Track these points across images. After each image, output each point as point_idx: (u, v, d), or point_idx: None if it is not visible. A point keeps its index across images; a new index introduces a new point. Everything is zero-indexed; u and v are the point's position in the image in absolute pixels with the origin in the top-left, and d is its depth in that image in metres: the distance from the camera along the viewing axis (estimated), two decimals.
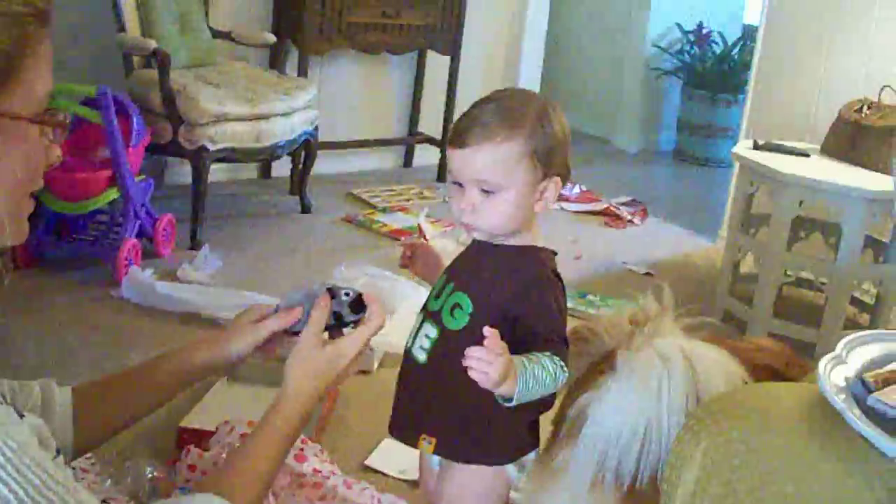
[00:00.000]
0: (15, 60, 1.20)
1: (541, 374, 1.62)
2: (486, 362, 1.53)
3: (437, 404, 1.82)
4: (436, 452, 1.84)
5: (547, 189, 1.71)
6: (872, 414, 1.49)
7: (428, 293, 1.87)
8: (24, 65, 1.21)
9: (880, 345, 1.71)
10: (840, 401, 1.48)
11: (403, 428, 1.90)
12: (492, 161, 1.65)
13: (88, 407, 1.69)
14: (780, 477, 1.47)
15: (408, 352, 1.84)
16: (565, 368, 1.66)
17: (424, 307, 1.85)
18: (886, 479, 1.41)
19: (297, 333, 1.76)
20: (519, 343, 1.64)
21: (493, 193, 1.67)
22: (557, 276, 1.75)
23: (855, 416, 1.45)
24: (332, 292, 1.75)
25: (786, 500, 1.45)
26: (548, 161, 1.68)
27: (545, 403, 1.82)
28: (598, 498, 1.75)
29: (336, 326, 1.77)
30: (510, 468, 1.84)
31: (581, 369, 1.88)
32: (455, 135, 1.69)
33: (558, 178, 1.72)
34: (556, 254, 1.81)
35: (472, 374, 1.55)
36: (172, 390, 1.81)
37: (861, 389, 1.53)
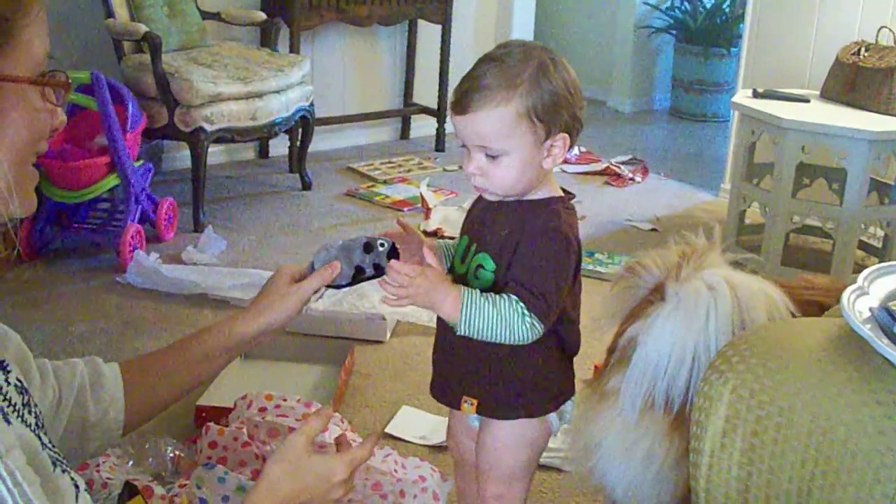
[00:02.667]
0: (12, 22, 1.17)
1: (488, 310, 1.62)
2: (396, 286, 1.61)
3: (474, 366, 1.81)
4: (478, 413, 1.84)
5: (554, 146, 1.68)
6: None
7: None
8: (21, 26, 1.19)
9: None
10: (867, 330, 1.47)
11: (444, 392, 1.90)
12: (490, 126, 1.63)
13: (136, 382, 1.64)
14: (809, 410, 1.46)
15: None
16: (529, 317, 1.63)
17: (451, 271, 1.83)
18: None
19: (338, 287, 1.72)
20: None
21: (498, 157, 1.65)
22: (569, 229, 1.71)
23: (884, 344, 1.44)
24: (369, 245, 1.72)
25: (815, 433, 1.45)
26: (550, 118, 1.64)
27: (572, 346, 1.82)
28: (648, 422, 1.77)
29: (374, 276, 1.72)
30: (552, 418, 1.84)
31: (633, 301, 1.90)
32: (455, 100, 1.66)
33: (565, 135, 1.68)
34: (573, 196, 1.78)
35: (383, 299, 1.64)
36: (220, 363, 1.74)
37: (886, 318, 1.52)
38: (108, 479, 2.19)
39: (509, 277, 1.68)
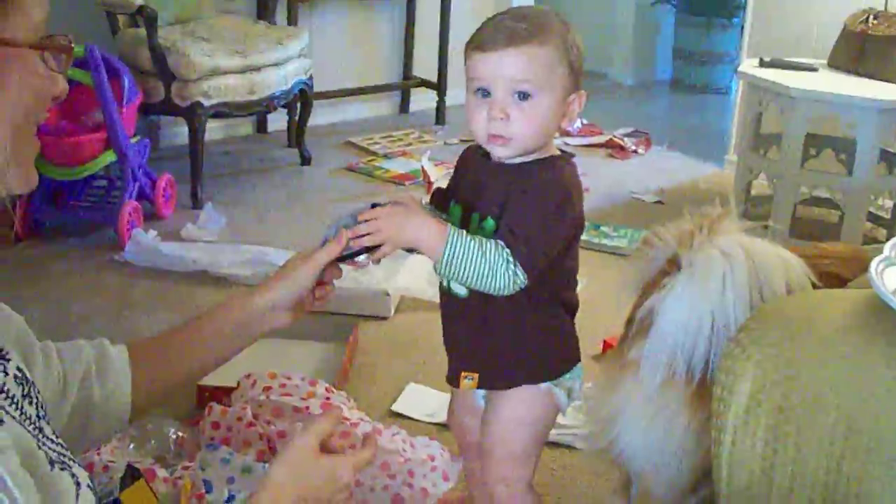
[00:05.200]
0: None
1: (473, 250, 1.56)
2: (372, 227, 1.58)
3: (476, 338, 1.76)
4: (480, 387, 1.79)
5: (574, 103, 1.64)
6: None
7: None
8: None
9: None
10: None
11: (449, 371, 1.85)
12: (532, 60, 1.57)
13: (145, 365, 1.56)
14: (838, 386, 1.41)
15: (446, 291, 1.75)
16: (513, 265, 1.57)
17: None
18: None
19: (349, 257, 1.64)
20: None
21: (530, 98, 1.59)
22: (570, 180, 1.66)
23: None
24: (377, 206, 1.63)
25: (844, 409, 1.40)
26: (578, 71, 1.63)
27: (572, 304, 1.78)
28: (670, 393, 1.74)
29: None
30: (559, 394, 1.78)
31: (650, 274, 1.85)
32: (483, 39, 1.60)
33: (584, 93, 1.66)
34: (573, 156, 1.73)
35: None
36: (235, 344, 1.65)
37: None
38: (110, 462, 2.15)
39: (501, 225, 1.62)
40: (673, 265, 1.80)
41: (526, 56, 1.57)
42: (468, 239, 1.57)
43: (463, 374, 1.78)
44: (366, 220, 1.59)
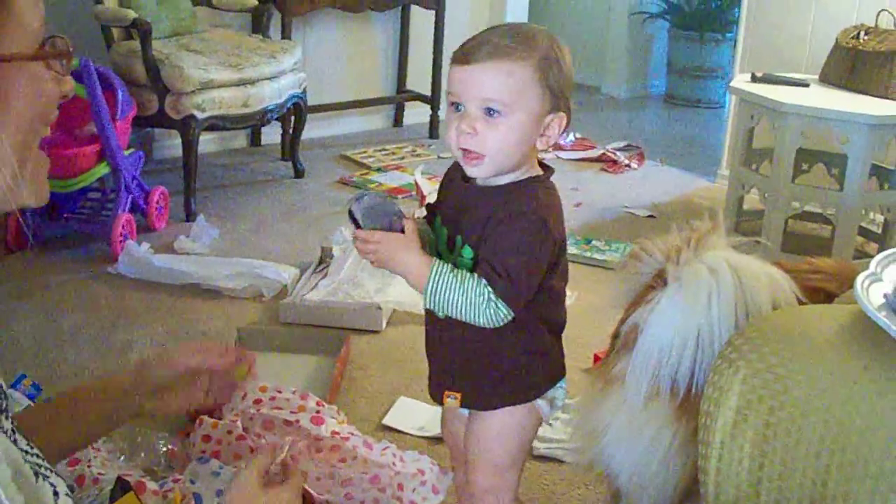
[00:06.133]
0: None
1: (454, 286, 1.59)
2: (365, 248, 1.62)
3: (455, 358, 1.78)
4: (463, 406, 1.80)
5: (552, 124, 1.62)
6: None
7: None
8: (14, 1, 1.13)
9: None
10: (883, 317, 1.43)
11: (433, 387, 1.86)
12: (504, 78, 1.56)
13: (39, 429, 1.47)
14: (824, 402, 1.42)
15: (429, 310, 1.76)
16: (494, 301, 1.58)
17: (439, 256, 1.78)
18: None
19: (357, 226, 1.63)
20: None
21: (499, 115, 1.57)
22: (546, 211, 1.64)
23: None
24: (402, 213, 1.65)
25: (831, 424, 1.40)
26: (557, 93, 1.60)
27: (557, 324, 1.79)
28: (654, 408, 1.75)
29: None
30: (542, 405, 1.79)
31: (637, 288, 1.87)
32: (462, 52, 1.59)
33: (563, 115, 1.63)
34: (551, 171, 1.72)
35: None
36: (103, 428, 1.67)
37: None
38: (100, 474, 2.15)
39: (480, 258, 1.63)
40: (659, 280, 1.81)
41: (499, 73, 1.56)
42: (450, 277, 1.60)
43: (446, 392, 1.79)
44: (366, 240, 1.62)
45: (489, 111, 1.58)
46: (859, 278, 1.53)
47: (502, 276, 1.59)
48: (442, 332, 1.76)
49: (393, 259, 1.62)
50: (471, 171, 1.64)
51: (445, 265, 1.61)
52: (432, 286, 1.60)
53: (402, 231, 1.62)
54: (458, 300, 1.60)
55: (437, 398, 1.82)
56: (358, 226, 1.63)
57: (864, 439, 1.36)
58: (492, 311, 1.60)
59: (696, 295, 1.72)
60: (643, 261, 1.88)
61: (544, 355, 1.79)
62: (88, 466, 2.17)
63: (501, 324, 1.62)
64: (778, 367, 1.47)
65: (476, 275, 1.60)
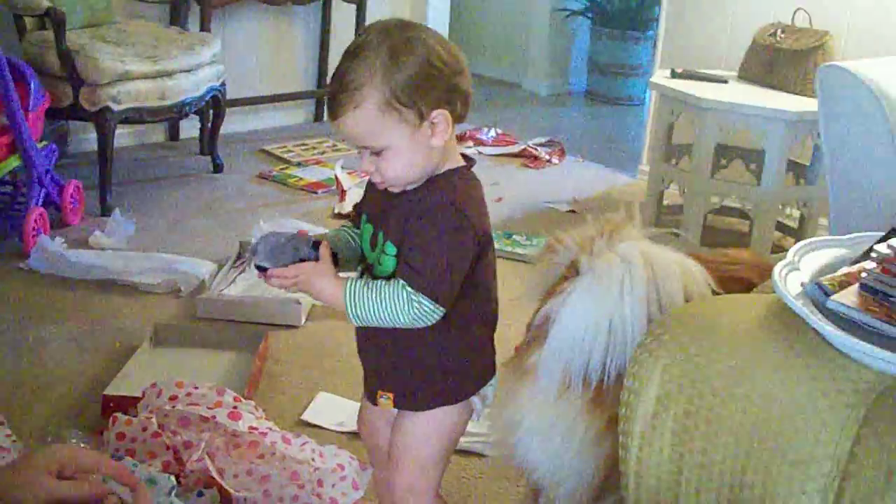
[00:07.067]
0: None
1: (370, 298, 1.60)
2: (284, 284, 1.65)
3: (384, 357, 1.76)
4: (396, 406, 1.78)
5: (436, 123, 1.58)
6: (833, 316, 1.44)
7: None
8: None
9: (829, 250, 1.68)
10: (800, 306, 1.43)
11: (366, 387, 1.85)
12: (357, 127, 1.55)
13: None
14: (743, 389, 1.42)
15: None
16: (416, 299, 1.58)
17: (362, 258, 1.75)
18: (854, 380, 1.36)
19: (264, 271, 1.65)
20: None
21: (381, 153, 1.57)
22: (466, 200, 1.63)
23: (817, 319, 1.40)
24: (317, 243, 1.66)
25: (750, 413, 1.40)
26: (416, 100, 1.55)
27: (488, 320, 1.77)
28: (567, 401, 1.73)
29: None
30: (475, 401, 1.78)
31: (552, 279, 1.85)
32: (327, 105, 1.61)
33: (443, 111, 1.58)
34: (472, 162, 1.71)
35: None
36: None
37: (818, 293, 1.48)
38: None
39: (400, 255, 1.62)
40: (573, 270, 1.79)
41: (350, 123, 1.55)
42: (364, 292, 1.61)
43: (379, 392, 1.77)
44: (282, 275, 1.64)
45: (371, 151, 1.59)
46: (777, 267, 1.54)
47: (421, 272, 1.58)
48: (370, 332, 1.74)
49: (310, 288, 1.65)
50: (392, 190, 1.65)
51: (358, 283, 1.62)
52: (350, 307, 1.61)
53: (317, 257, 1.64)
54: (378, 311, 1.60)
55: (372, 399, 1.81)
56: (265, 269, 1.65)
57: (783, 427, 1.36)
58: (415, 310, 1.58)
59: (608, 285, 1.70)
60: (558, 252, 1.87)
61: (476, 352, 1.78)
62: None
63: (433, 321, 1.61)
64: (698, 356, 1.47)
65: (393, 280, 1.60)
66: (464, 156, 1.71)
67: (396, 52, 1.54)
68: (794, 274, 1.55)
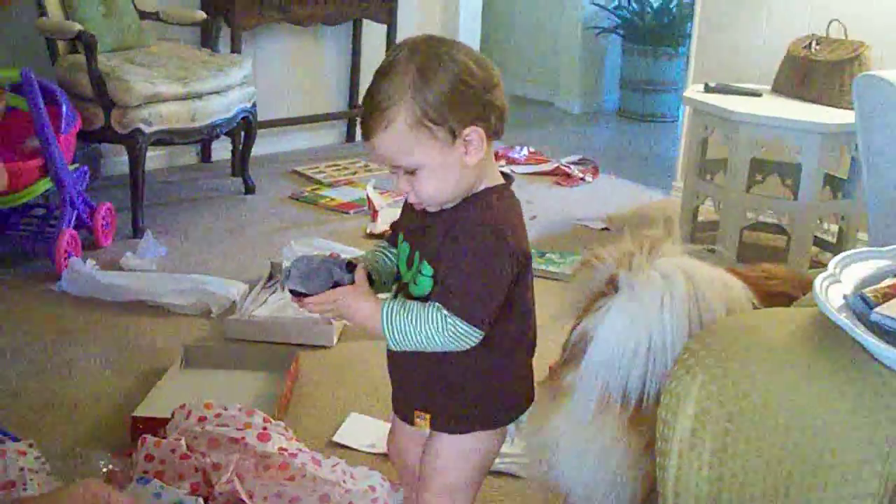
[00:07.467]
0: None
1: (404, 323, 1.57)
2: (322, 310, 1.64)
3: (422, 378, 1.72)
4: (433, 428, 1.74)
5: (469, 141, 1.55)
6: (877, 329, 1.39)
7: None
8: None
9: (871, 262, 1.64)
10: (843, 318, 1.38)
11: (399, 406, 1.82)
12: (389, 147, 1.53)
13: None
14: (784, 405, 1.37)
15: None
16: (452, 322, 1.55)
17: (398, 278, 1.72)
18: None
19: (299, 296, 1.65)
20: None
21: (415, 172, 1.55)
22: (504, 220, 1.60)
23: (860, 332, 1.35)
24: (352, 264, 1.66)
25: (791, 429, 1.36)
26: (449, 117, 1.52)
27: (528, 341, 1.73)
28: (605, 420, 1.69)
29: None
30: (510, 425, 1.74)
31: (589, 296, 1.81)
32: (361, 125, 1.58)
33: (476, 128, 1.54)
34: (511, 180, 1.68)
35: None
36: None
37: (862, 306, 1.44)
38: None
39: (437, 278, 1.59)
40: (611, 286, 1.75)
41: (384, 143, 1.54)
42: (401, 315, 1.58)
43: (416, 412, 1.74)
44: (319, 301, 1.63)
45: (405, 171, 1.57)
46: (818, 280, 1.49)
47: (457, 294, 1.55)
48: (407, 351, 1.68)
49: (348, 312, 1.63)
50: (428, 209, 1.63)
51: (395, 304, 1.59)
52: (388, 331, 1.59)
53: (352, 280, 1.62)
54: (415, 334, 1.57)
55: (407, 418, 1.77)
56: (303, 294, 1.63)
57: (826, 444, 1.32)
58: (450, 332, 1.55)
59: (647, 301, 1.67)
60: (595, 268, 1.83)
61: (517, 376, 1.75)
62: (24, 489, 2.09)
63: (471, 344, 1.58)
64: (736, 372, 1.43)
65: (429, 302, 1.57)
66: (502, 173, 1.68)
67: (426, 70, 1.51)
68: (836, 286, 1.51)
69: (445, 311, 1.55)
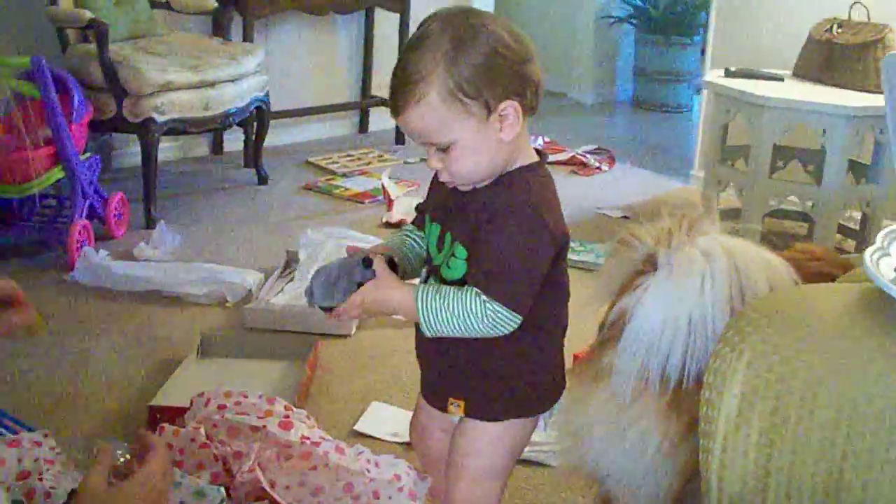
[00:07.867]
0: None
1: (440, 308, 1.52)
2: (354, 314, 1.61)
3: (459, 365, 1.66)
4: (467, 415, 1.69)
5: (505, 116, 1.49)
6: None
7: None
8: None
9: None
10: None
11: (430, 393, 1.76)
12: (421, 122, 1.48)
13: None
14: (837, 383, 1.31)
15: None
16: (490, 306, 1.50)
17: (428, 261, 1.67)
18: None
19: (329, 309, 1.62)
20: None
21: (447, 149, 1.50)
22: (541, 201, 1.54)
23: None
24: (368, 259, 1.60)
25: (845, 409, 1.29)
26: (483, 91, 1.46)
27: (562, 329, 1.69)
28: (643, 402, 1.62)
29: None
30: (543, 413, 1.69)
31: (626, 275, 1.74)
32: (389, 102, 1.52)
33: (511, 101, 1.48)
34: (545, 157, 1.62)
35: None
36: None
37: None
38: (52, 488, 2.00)
39: (472, 260, 1.53)
40: (650, 265, 1.69)
41: (415, 118, 1.48)
42: (437, 301, 1.53)
43: (450, 399, 1.69)
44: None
45: (437, 147, 1.51)
46: (867, 253, 1.43)
47: (496, 278, 1.50)
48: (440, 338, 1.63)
49: (380, 306, 1.59)
50: (460, 188, 1.57)
51: (429, 291, 1.54)
52: (424, 318, 1.54)
53: (373, 274, 1.58)
54: (452, 321, 1.52)
55: (439, 405, 1.72)
56: (331, 307, 1.61)
57: (881, 422, 1.25)
58: (490, 319, 1.50)
59: (688, 279, 1.60)
60: (633, 246, 1.76)
61: (553, 360, 1.71)
62: (39, 479, 2.03)
63: (510, 329, 1.53)
64: (785, 349, 1.36)
65: (466, 287, 1.52)
66: (536, 150, 1.62)
67: (460, 41, 1.45)
68: (886, 259, 1.44)
69: (485, 297, 1.50)
